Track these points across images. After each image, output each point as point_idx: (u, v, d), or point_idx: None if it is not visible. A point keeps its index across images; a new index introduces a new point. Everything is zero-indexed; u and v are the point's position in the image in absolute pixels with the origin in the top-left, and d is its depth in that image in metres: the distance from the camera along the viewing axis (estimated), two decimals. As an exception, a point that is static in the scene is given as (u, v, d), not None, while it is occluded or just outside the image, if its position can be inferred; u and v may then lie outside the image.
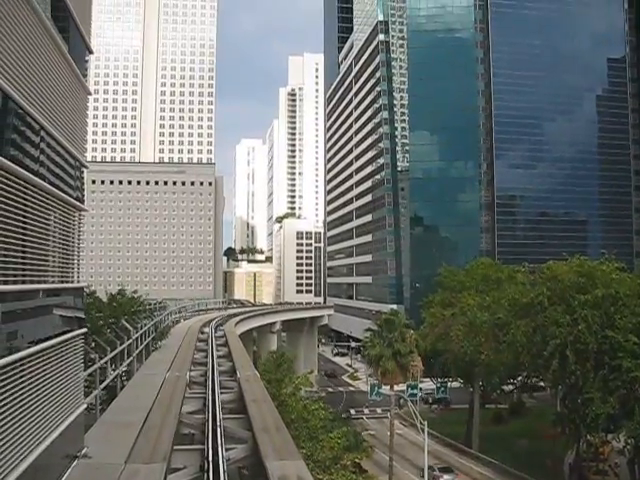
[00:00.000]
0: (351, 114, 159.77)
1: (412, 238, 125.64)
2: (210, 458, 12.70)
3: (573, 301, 40.47)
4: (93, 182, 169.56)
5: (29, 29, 10.14)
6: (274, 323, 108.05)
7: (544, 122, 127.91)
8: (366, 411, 79.62)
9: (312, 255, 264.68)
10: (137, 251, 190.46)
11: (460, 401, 72.30)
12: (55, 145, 11.86)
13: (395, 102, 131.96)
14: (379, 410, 75.79)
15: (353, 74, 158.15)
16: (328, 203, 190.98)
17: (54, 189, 11.60)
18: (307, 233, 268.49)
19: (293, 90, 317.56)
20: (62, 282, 12.48)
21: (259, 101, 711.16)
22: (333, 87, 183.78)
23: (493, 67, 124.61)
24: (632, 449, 39.81)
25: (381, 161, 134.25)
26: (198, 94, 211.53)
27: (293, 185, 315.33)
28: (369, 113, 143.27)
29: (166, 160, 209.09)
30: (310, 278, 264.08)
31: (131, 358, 25.79)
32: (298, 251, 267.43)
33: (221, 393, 20.38)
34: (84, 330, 14.15)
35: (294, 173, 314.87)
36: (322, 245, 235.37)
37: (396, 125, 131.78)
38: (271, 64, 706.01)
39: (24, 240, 10.10)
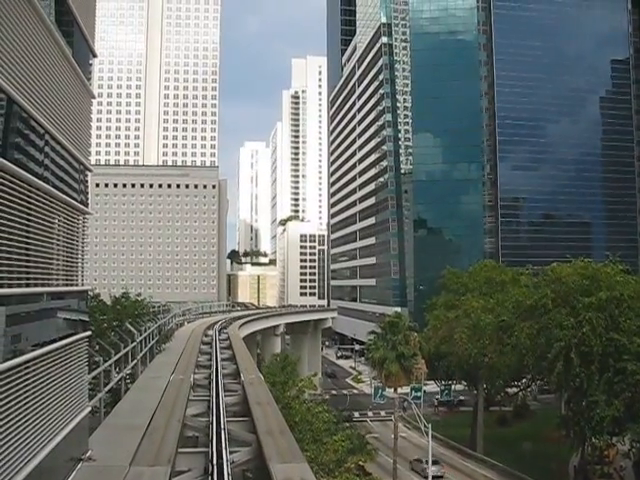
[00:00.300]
0: (354, 117, 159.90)
1: (415, 240, 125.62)
2: (214, 461, 12.68)
3: (577, 303, 40.44)
4: (97, 185, 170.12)
5: (33, 33, 10.17)
6: (278, 326, 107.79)
7: (547, 124, 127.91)
8: (370, 414, 79.52)
9: (316, 258, 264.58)
10: (141, 254, 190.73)
11: (464, 404, 72.32)
12: (59, 149, 11.88)
13: (398, 104, 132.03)
14: (383, 413, 75.72)
15: (356, 77, 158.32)
16: (332, 206, 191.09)
17: (58, 192, 11.62)
18: (311, 236, 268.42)
19: (296, 93, 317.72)
20: (66, 285, 12.49)
21: (262, 104, 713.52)
22: (336, 90, 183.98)
23: (496, 69, 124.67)
24: (637, 452, 39.77)
25: (384, 164, 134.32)
26: (201, 97, 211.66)
27: (297, 188, 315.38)
28: (372, 116, 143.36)
29: (170, 163, 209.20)
30: (314, 281, 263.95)
31: (135, 361, 25.77)
32: (302, 254, 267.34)
33: (225, 396, 20.36)
34: (88, 333, 14.16)
35: (297, 176, 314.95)
36: (326, 248, 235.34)
37: (399, 128, 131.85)
38: (274, 67, 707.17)
39: (28, 243, 10.12)
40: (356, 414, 79.08)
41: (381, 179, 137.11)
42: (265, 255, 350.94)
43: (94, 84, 16.01)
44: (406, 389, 55.58)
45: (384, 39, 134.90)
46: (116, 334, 25.91)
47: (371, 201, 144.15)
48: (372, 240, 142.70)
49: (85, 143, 13.80)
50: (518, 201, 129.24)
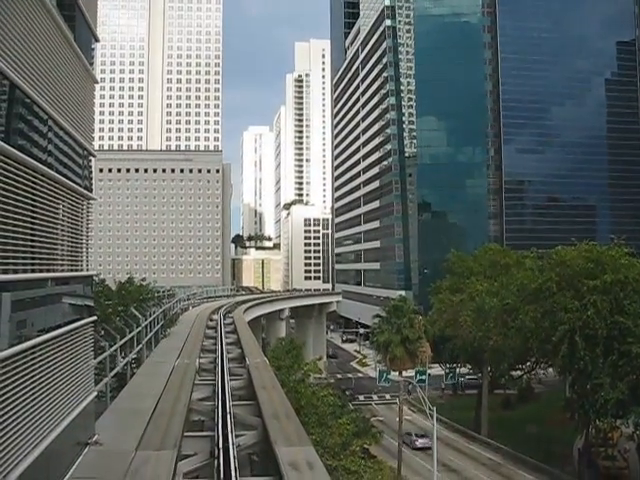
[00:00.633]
0: (358, 100, 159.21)
1: (420, 224, 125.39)
2: (220, 445, 12.75)
3: (582, 286, 40.39)
4: (101, 170, 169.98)
5: (35, 18, 10.11)
6: (283, 310, 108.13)
7: (552, 107, 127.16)
8: (375, 397, 79.84)
9: (320, 242, 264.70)
10: (145, 239, 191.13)
11: (470, 386, 72.49)
12: (63, 134, 11.86)
13: (402, 88, 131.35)
14: (388, 396, 76.03)
15: (360, 60, 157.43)
16: (336, 189, 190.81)
17: (62, 178, 11.61)
18: (315, 220, 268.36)
19: (300, 76, 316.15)
20: (71, 270, 12.51)
21: (266, 88, 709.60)
22: (340, 73, 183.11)
23: (501, 51, 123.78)
24: (641, 434, 39.85)
25: (388, 147, 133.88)
26: (205, 81, 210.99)
27: (300, 172, 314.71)
28: (376, 99, 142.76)
29: (173, 148, 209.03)
30: (318, 265, 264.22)
31: (140, 346, 25.86)
32: (306, 238, 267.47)
33: (230, 380, 20.42)
34: (93, 318, 14.20)
35: (301, 160, 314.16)
36: (330, 232, 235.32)
37: (403, 111, 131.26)
38: (277, 51, 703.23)
39: (33, 229, 10.12)
40: (361, 397, 79.46)
41: (385, 162, 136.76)
42: (269, 239, 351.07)
43: (97, 69, 15.96)
44: (411, 372, 55.74)
45: (388, 22, 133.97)
46: (121, 319, 26.01)
47: (375, 184, 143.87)
48: (376, 224, 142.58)
49: (88, 128, 13.78)
50: (523, 184, 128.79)
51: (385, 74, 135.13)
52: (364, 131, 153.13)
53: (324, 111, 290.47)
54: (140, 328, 26.26)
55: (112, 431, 14.58)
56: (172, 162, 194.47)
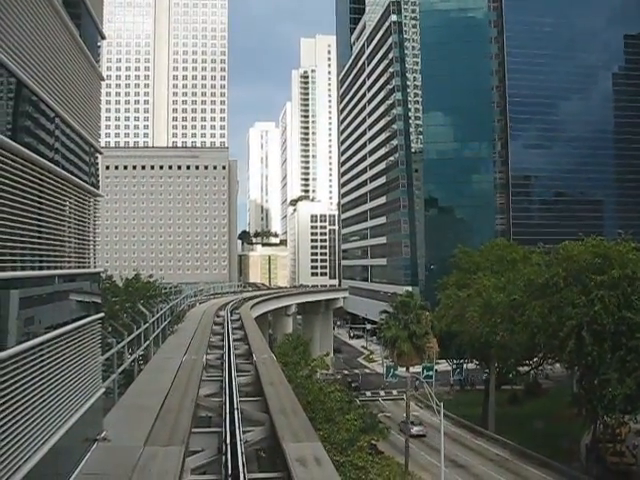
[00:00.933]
0: (364, 96, 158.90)
1: (426, 219, 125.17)
2: (228, 440, 12.78)
3: (589, 282, 40.21)
4: (107, 168, 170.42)
5: (42, 15, 10.13)
6: (289, 306, 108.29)
7: (559, 101, 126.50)
8: (382, 393, 79.85)
9: (327, 238, 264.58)
10: (152, 236, 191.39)
11: (478, 381, 72.41)
12: (69, 131, 11.89)
13: (408, 83, 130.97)
14: (395, 392, 75.98)
15: (366, 55, 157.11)
16: (342, 185, 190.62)
17: (69, 175, 11.64)
18: (321, 216, 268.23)
19: (305, 72, 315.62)
20: (78, 267, 12.55)
21: (272, 84, 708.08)
22: (346, 69, 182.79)
23: (507, 46, 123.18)
24: (649, 429, 39.77)
25: (395, 143, 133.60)
26: (210, 78, 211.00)
27: (307, 168, 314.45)
28: (382, 94, 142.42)
29: (179, 144, 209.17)
30: (325, 261, 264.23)
31: (148, 342, 25.94)
32: (312, 234, 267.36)
33: (238, 376, 20.48)
34: (101, 315, 14.25)
35: (308, 156, 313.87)
36: (336, 227, 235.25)
37: (409, 106, 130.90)
38: (283, 47, 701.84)
39: (40, 226, 10.16)
40: (368, 393, 79.46)
41: (391, 158, 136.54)
42: (276, 235, 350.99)
43: (103, 66, 15.98)
44: (418, 368, 55.66)
45: (393, 17, 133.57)
46: (128, 316, 26.09)
47: (382, 180, 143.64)
48: (383, 219, 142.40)
49: (95, 125, 13.81)
50: (529, 179, 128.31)
51: (391, 69, 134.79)
52: (370, 127, 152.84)
53: (330, 107, 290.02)
54: (147, 325, 26.33)
55: (120, 427, 14.63)
56: (178, 159, 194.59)
